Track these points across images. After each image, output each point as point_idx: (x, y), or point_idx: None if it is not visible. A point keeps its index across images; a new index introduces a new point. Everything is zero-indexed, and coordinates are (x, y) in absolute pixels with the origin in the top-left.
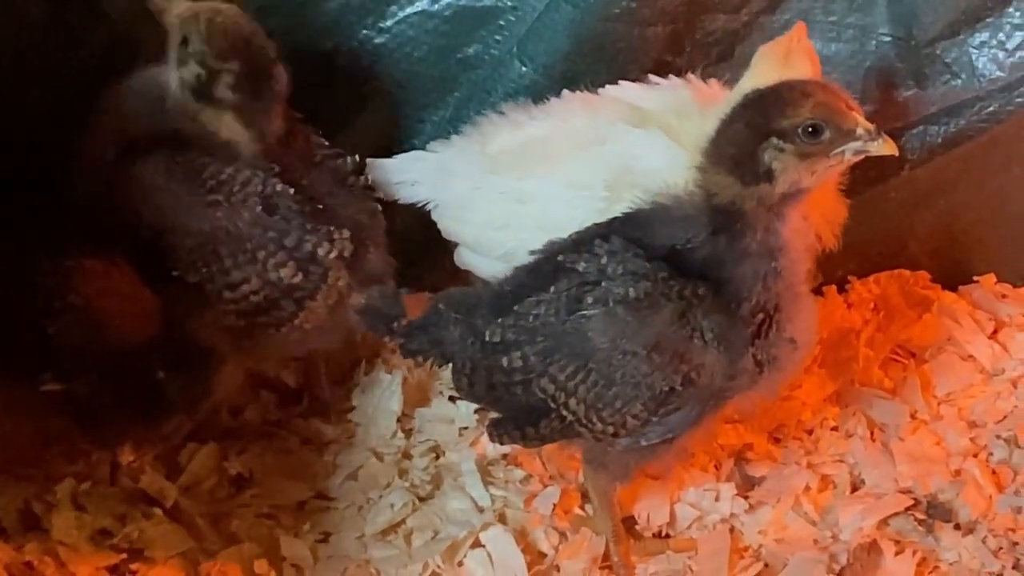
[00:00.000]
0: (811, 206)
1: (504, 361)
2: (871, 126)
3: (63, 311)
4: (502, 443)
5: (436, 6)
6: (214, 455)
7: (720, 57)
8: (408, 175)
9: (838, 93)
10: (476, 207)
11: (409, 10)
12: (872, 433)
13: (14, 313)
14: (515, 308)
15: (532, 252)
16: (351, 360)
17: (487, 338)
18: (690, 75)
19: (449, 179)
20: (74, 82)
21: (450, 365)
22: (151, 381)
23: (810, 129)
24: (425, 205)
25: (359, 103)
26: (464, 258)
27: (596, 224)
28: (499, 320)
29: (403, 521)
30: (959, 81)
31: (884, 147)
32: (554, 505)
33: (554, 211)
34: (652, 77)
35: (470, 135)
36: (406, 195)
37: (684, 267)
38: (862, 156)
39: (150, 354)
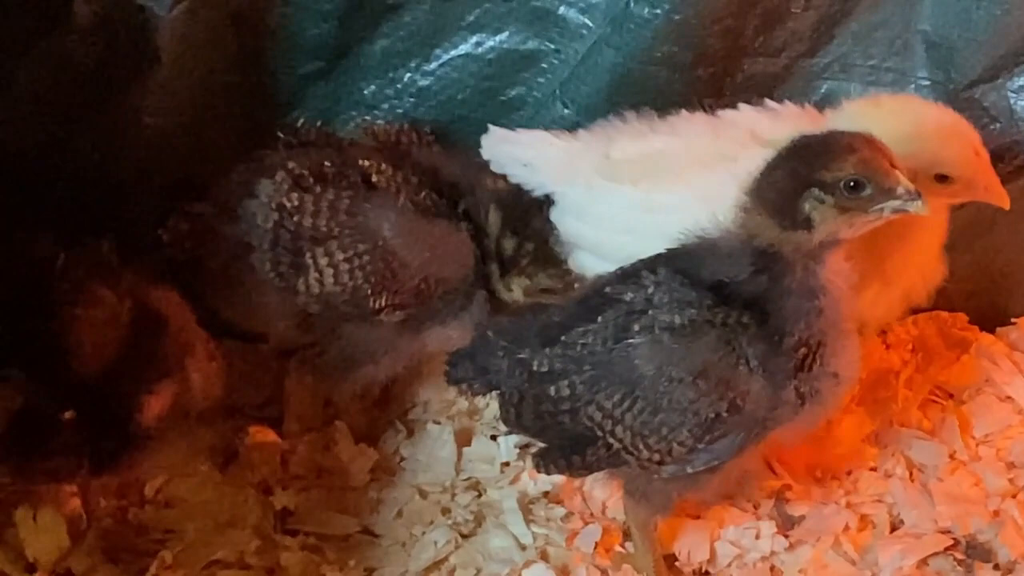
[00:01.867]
0: (910, 261)
1: (552, 390)
2: (912, 186)
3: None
4: (548, 473)
5: (479, 49)
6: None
7: (763, 99)
8: (527, 155)
9: (883, 150)
10: (599, 210)
11: (453, 53)
12: (911, 473)
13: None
14: (563, 338)
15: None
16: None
17: (535, 367)
18: (806, 104)
19: (571, 175)
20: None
21: (494, 399)
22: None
23: (852, 184)
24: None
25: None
26: (581, 262)
27: (642, 259)
28: (546, 350)
29: (446, 558)
30: (997, 125)
31: (922, 208)
32: (596, 543)
33: (683, 223)
34: (768, 103)
35: (593, 135)
36: (517, 175)
37: (729, 300)
38: (900, 215)
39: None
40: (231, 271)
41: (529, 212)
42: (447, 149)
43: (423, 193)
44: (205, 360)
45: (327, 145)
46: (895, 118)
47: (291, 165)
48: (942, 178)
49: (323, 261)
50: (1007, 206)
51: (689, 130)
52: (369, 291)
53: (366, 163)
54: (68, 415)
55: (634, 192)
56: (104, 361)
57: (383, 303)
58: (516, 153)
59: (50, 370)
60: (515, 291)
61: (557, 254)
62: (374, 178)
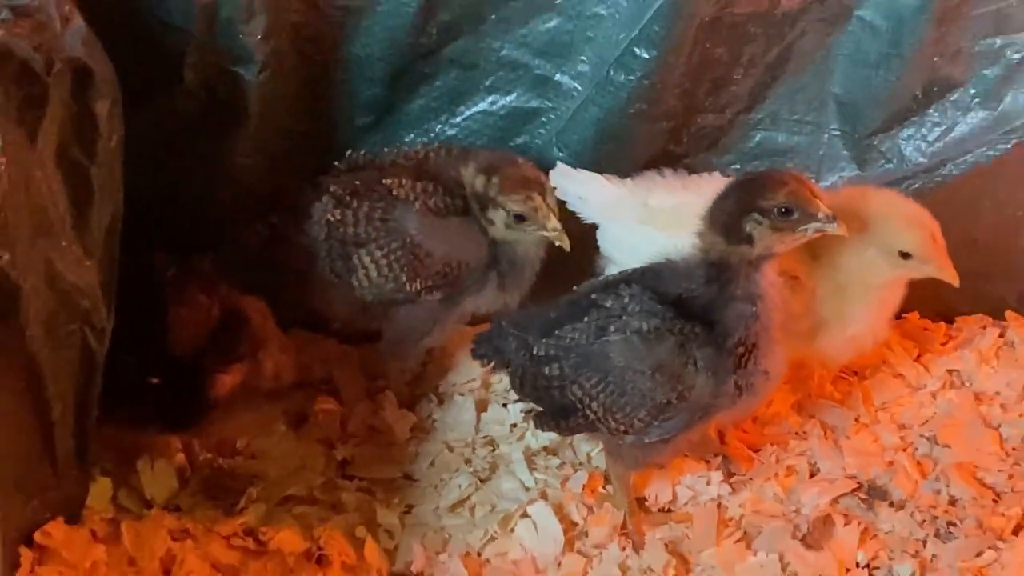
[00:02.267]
0: (868, 312)
1: (546, 370)
2: (830, 212)
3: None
4: (543, 431)
5: (494, 107)
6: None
7: (709, 147)
8: (583, 190)
9: (807, 184)
10: (633, 243)
11: (474, 110)
12: (825, 433)
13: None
14: (556, 331)
15: (573, 289)
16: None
17: (535, 352)
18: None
19: (614, 213)
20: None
21: (504, 378)
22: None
23: (783, 210)
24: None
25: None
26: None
27: (621, 273)
28: (544, 339)
29: (468, 497)
30: (891, 165)
31: (838, 229)
32: (583, 486)
33: None
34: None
35: (637, 184)
36: (574, 205)
37: (686, 311)
38: (820, 234)
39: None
40: (304, 273)
41: (497, 157)
42: (463, 154)
43: (435, 198)
44: (278, 352)
45: (372, 168)
46: (876, 206)
47: (333, 188)
48: (905, 255)
49: (367, 260)
50: (956, 283)
51: (712, 190)
52: (406, 279)
53: (389, 180)
54: (154, 381)
55: (663, 236)
56: (192, 347)
57: (419, 286)
58: (574, 188)
59: (151, 352)
60: (497, 225)
61: (522, 181)
62: (394, 191)
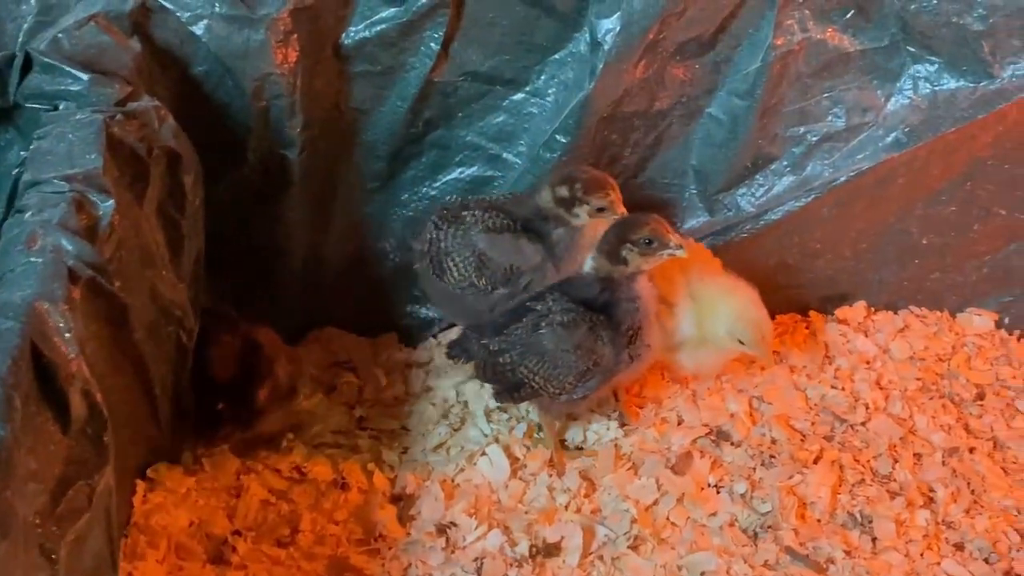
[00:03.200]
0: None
1: (500, 359)
2: (680, 241)
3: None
4: (502, 402)
5: (462, 176)
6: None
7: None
8: None
9: (663, 223)
10: None
11: (448, 178)
12: (687, 396)
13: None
14: (505, 331)
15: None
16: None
17: (491, 348)
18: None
19: None
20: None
21: (472, 362)
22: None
23: (647, 241)
24: None
25: (418, 229)
26: None
27: (548, 287)
28: (496, 338)
29: (446, 442)
30: (731, 213)
31: (682, 253)
32: (524, 433)
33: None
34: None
35: None
36: None
37: (592, 307)
38: (673, 256)
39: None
40: (421, 272)
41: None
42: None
43: (494, 220)
44: (287, 364)
45: (460, 207)
46: (732, 307)
47: (434, 216)
48: (740, 343)
49: (451, 264)
50: (770, 364)
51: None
52: (476, 278)
53: (465, 212)
54: (221, 406)
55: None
56: (229, 374)
57: (486, 283)
58: None
59: (206, 383)
60: (580, 216)
61: (600, 182)
62: (468, 218)
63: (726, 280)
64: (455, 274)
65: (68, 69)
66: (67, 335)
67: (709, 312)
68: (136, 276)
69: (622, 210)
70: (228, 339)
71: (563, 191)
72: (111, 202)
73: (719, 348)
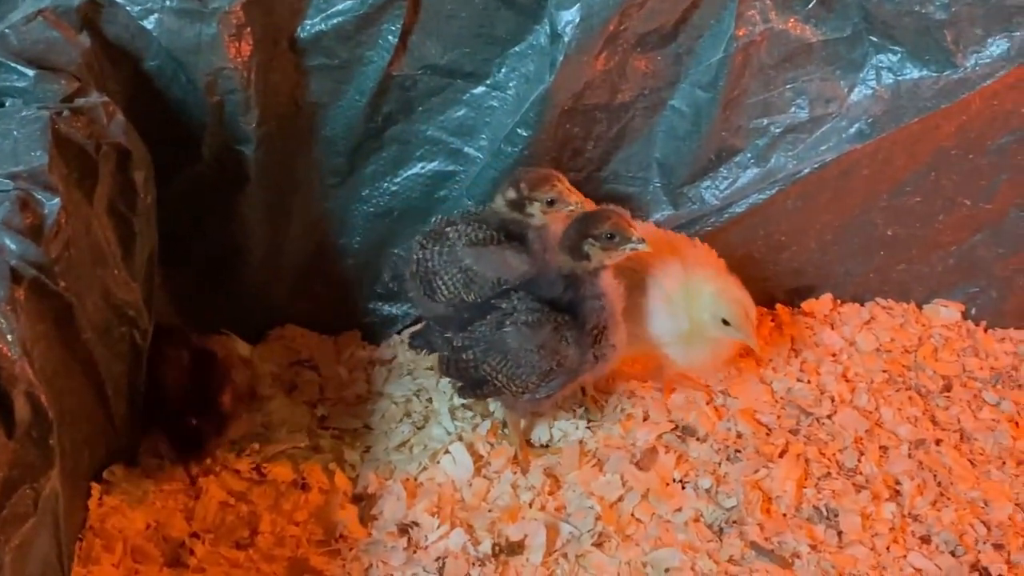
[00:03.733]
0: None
1: (464, 355)
2: (641, 236)
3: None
4: (464, 398)
5: (423, 171)
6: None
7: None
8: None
9: (625, 217)
10: None
11: (409, 173)
12: (654, 392)
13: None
14: (469, 327)
15: (483, 291)
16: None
17: (455, 343)
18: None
19: None
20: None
21: (435, 355)
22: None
23: (609, 236)
24: None
25: (383, 218)
26: None
27: (510, 286)
28: (460, 334)
29: (408, 440)
30: (695, 207)
31: (645, 247)
32: (488, 430)
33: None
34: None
35: None
36: None
37: (558, 306)
38: (635, 251)
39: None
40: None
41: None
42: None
43: (477, 233)
44: (243, 369)
45: (445, 224)
46: (714, 287)
47: (418, 237)
48: (725, 322)
49: (440, 284)
50: (758, 350)
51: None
52: (465, 294)
53: (448, 228)
54: (194, 422)
55: None
56: (189, 386)
57: (474, 297)
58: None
59: (170, 403)
60: (535, 214)
61: (544, 176)
62: (451, 234)
63: (709, 264)
64: (445, 292)
65: (14, 65)
66: (9, 336)
67: (695, 299)
68: (87, 276)
69: (576, 198)
70: (173, 354)
71: (511, 193)
72: (57, 200)
73: (707, 337)
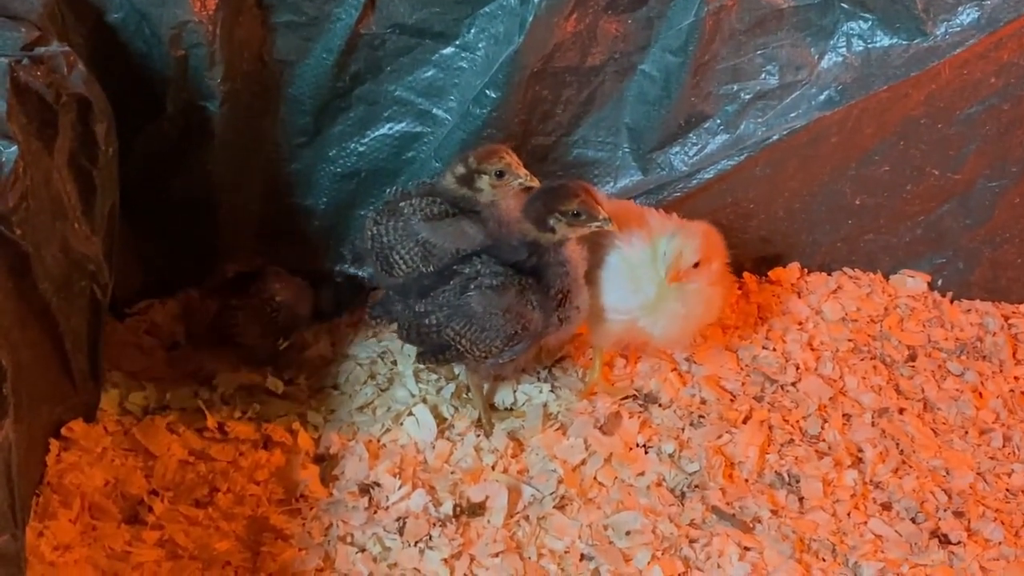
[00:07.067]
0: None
1: (426, 321)
2: (607, 216)
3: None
4: (424, 364)
5: (391, 132)
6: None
7: (540, 160)
8: None
9: (594, 194)
10: None
11: (377, 134)
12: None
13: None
14: (431, 293)
15: (442, 263)
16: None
17: (417, 309)
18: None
19: None
20: None
21: (394, 323)
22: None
23: (575, 212)
24: None
25: (350, 179)
26: None
27: (473, 251)
28: (422, 300)
29: (372, 402)
30: (664, 172)
31: (611, 227)
32: (452, 393)
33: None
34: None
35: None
36: None
37: (520, 271)
38: (600, 230)
39: None
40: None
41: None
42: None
43: (432, 207)
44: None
45: (401, 197)
46: (692, 233)
47: (372, 213)
48: (696, 264)
49: (397, 258)
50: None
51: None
52: (424, 267)
53: (403, 203)
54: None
55: None
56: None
57: (432, 269)
58: None
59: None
60: (485, 190)
61: (491, 150)
62: (406, 209)
63: (668, 225)
64: (403, 267)
65: None
66: None
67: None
68: (45, 227)
69: (524, 171)
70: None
71: (460, 168)
72: (15, 148)
73: (673, 304)
